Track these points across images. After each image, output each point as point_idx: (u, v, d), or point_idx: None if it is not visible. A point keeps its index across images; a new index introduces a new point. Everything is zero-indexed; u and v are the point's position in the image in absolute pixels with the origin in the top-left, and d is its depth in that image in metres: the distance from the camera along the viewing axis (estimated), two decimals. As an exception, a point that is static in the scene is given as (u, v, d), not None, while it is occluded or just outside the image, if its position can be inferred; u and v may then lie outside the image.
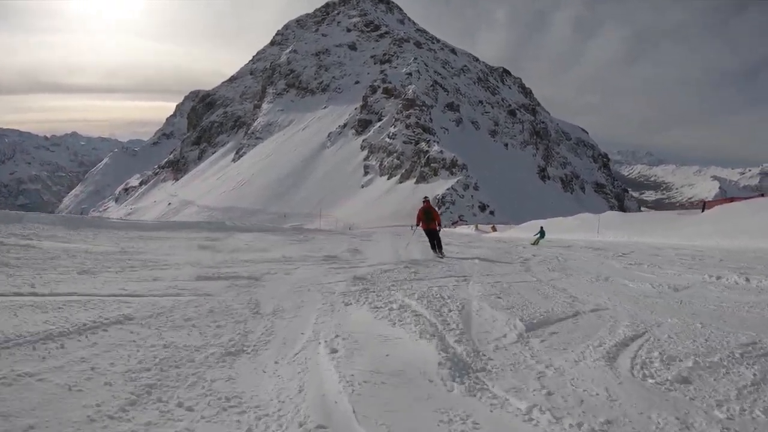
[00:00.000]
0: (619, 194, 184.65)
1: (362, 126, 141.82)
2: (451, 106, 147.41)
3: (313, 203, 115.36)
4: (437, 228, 11.47)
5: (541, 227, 22.06)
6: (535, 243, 19.68)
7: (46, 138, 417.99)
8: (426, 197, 12.72)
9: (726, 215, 18.70)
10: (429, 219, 11.55)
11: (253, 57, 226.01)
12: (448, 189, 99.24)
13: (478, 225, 51.67)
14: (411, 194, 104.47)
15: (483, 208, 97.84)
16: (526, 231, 30.90)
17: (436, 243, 11.24)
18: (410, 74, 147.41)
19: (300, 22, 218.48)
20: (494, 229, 42.00)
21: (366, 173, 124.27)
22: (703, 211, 25.08)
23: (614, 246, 15.27)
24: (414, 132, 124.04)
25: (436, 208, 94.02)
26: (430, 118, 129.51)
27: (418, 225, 11.94)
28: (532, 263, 9.35)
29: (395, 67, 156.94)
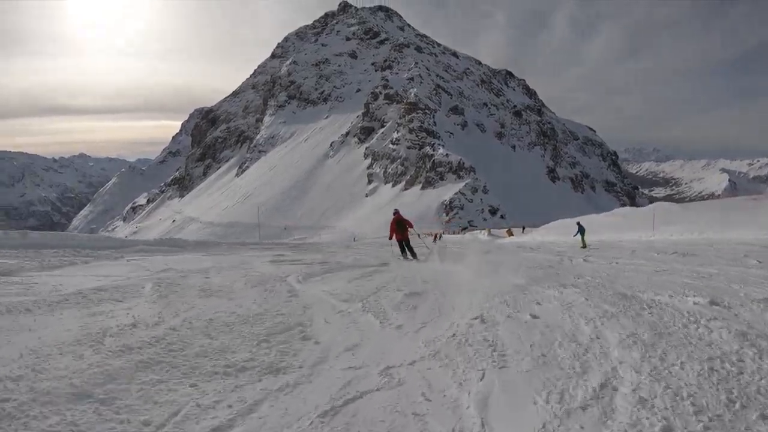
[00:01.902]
0: (629, 192, 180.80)
1: (365, 134, 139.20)
2: (455, 110, 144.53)
3: (317, 215, 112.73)
4: (409, 234, 12.64)
5: (579, 223, 18.86)
6: (584, 245, 16.60)
7: (54, 160, 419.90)
8: (396, 209, 13.51)
9: None
10: (402, 229, 12.59)
11: (255, 71, 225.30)
12: (456, 193, 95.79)
13: (491, 229, 47.51)
14: (417, 200, 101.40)
15: (493, 211, 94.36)
16: (556, 232, 26.75)
17: (407, 249, 12.37)
18: (412, 79, 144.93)
19: (299, 34, 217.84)
20: (510, 233, 38.08)
21: (370, 181, 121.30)
22: None
23: (700, 248, 10.90)
24: (418, 136, 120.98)
25: (443, 215, 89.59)
26: (434, 122, 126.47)
27: (391, 237, 12.85)
28: None
29: (396, 73, 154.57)
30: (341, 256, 13.29)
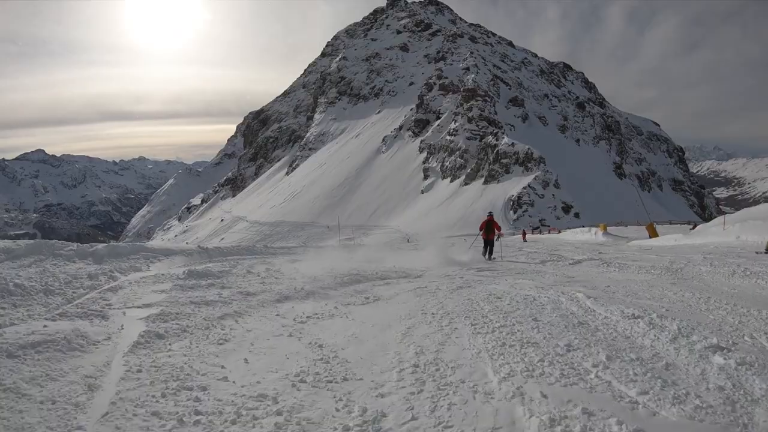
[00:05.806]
0: (698, 191, 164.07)
1: (419, 126, 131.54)
2: (515, 101, 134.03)
3: (367, 213, 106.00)
4: (495, 237, 14.53)
5: None
6: None
7: (114, 163, 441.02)
8: (490, 212, 16.23)
9: None
10: (489, 231, 14.61)
11: (305, 70, 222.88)
12: (524, 188, 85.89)
13: (605, 225, 30.32)
14: (480, 196, 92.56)
15: (567, 209, 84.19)
16: (725, 230, 16.22)
17: (489, 249, 14.25)
18: (468, 69, 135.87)
19: (349, 32, 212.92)
20: (654, 232, 23.75)
21: (426, 177, 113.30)
22: None
23: None
24: (478, 126, 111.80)
25: (511, 213, 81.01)
26: (495, 111, 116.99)
27: (480, 233, 15.01)
28: None
29: (451, 64, 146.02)
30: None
